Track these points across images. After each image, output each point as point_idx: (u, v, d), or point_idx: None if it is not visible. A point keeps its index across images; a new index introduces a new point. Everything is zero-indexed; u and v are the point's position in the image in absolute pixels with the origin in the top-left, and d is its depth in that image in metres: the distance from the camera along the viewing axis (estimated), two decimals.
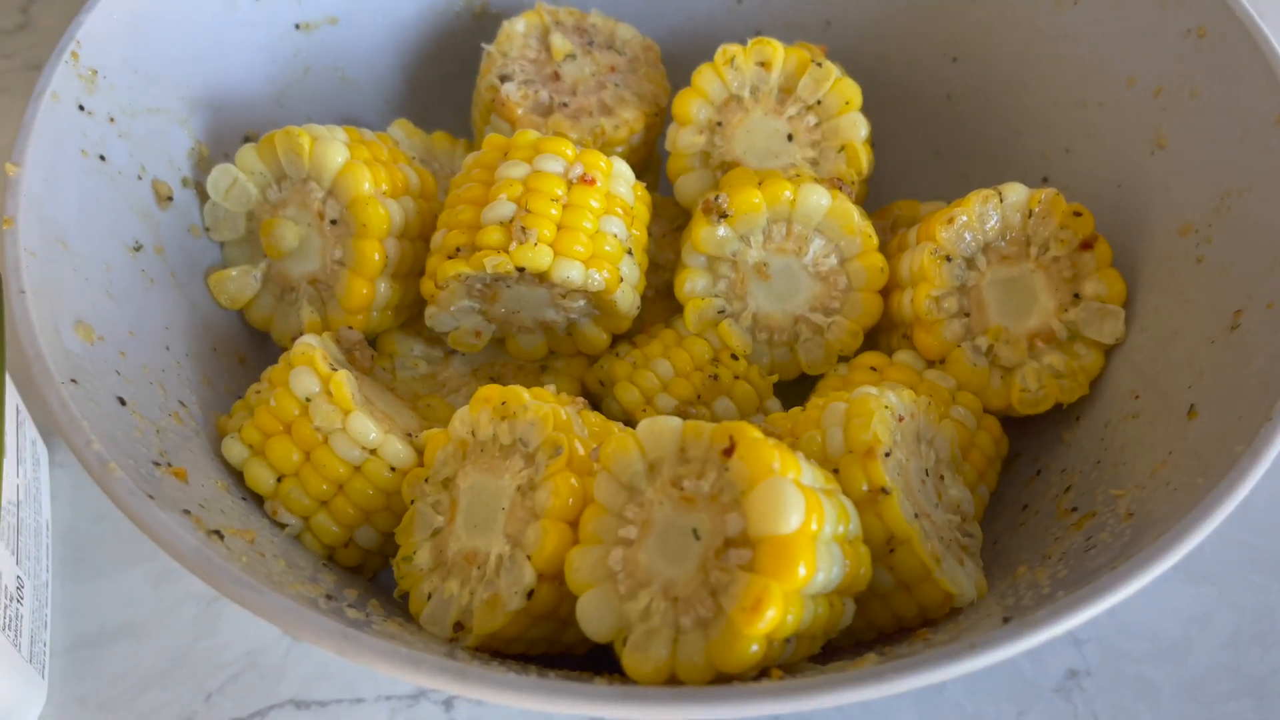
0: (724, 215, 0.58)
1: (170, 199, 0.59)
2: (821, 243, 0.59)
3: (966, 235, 0.58)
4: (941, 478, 0.53)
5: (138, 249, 0.56)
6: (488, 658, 0.45)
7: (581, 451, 0.47)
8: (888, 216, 0.68)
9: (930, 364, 0.60)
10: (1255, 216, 0.52)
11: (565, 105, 0.66)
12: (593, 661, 0.49)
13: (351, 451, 0.52)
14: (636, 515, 0.43)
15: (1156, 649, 0.60)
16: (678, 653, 0.40)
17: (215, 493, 0.49)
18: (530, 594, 0.44)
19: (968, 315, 0.59)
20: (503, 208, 0.55)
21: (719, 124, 0.63)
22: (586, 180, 0.57)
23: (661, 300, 0.66)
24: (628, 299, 0.58)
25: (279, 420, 0.52)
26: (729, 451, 0.41)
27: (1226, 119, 0.55)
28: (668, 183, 0.66)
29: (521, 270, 0.54)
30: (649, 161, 0.71)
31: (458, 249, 0.56)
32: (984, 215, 0.58)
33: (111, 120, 0.56)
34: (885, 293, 0.61)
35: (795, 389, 0.64)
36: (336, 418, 0.52)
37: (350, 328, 0.59)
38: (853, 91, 0.62)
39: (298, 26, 0.68)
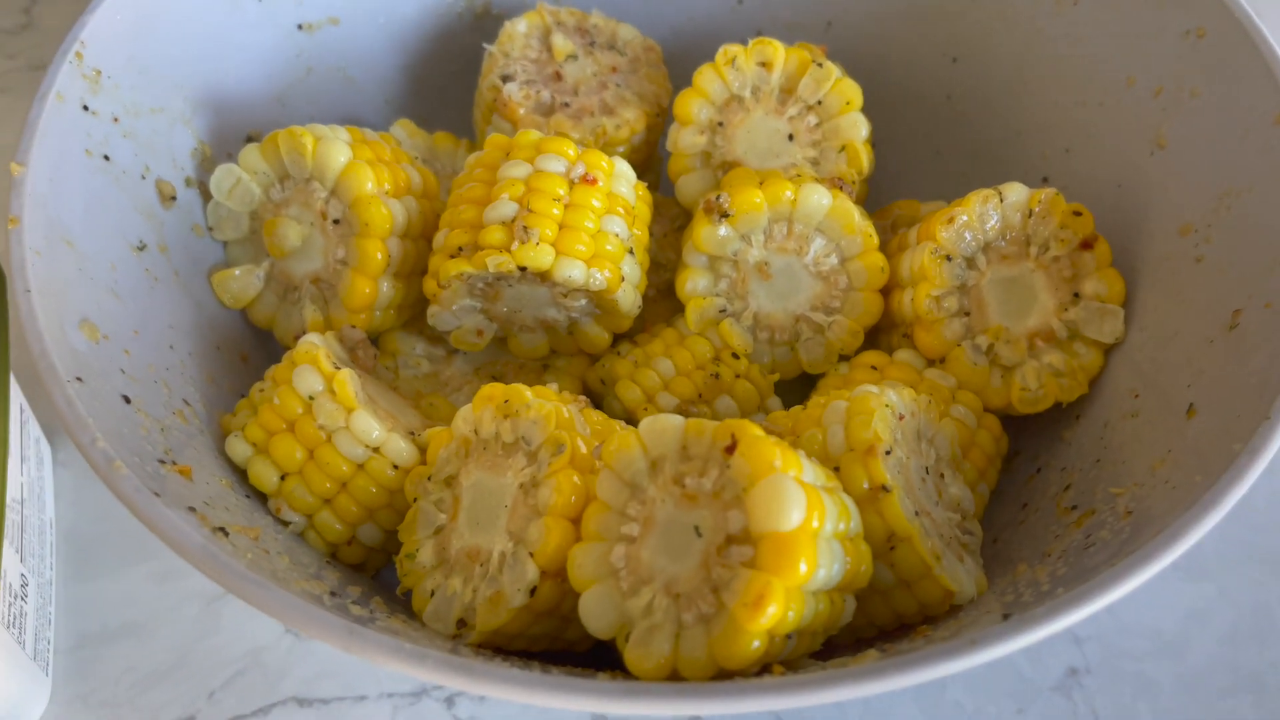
0: (725, 215, 0.58)
1: (174, 198, 0.59)
2: (822, 242, 0.60)
3: (967, 235, 0.58)
4: (942, 476, 0.53)
5: (142, 248, 0.56)
6: (490, 654, 0.46)
7: (584, 449, 0.47)
8: (888, 216, 0.69)
9: (931, 363, 0.60)
10: (1254, 216, 0.52)
11: (567, 105, 0.66)
12: (594, 659, 0.49)
13: (355, 450, 0.52)
14: (639, 512, 0.43)
15: (1156, 646, 0.60)
16: (680, 648, 0.40)
17: (220, 490, 0.50)
18: (533, 591, 0.45)
19: (968, 314, 0.59)
20: (505, 207, 0.56)
21: (720, 124, 0.63)
22: (588, 180, 0.57)
23: (663, 299, 0.66)
24: (629, 298, 0.58)
25: (282, 418, 0.53)
26: (731, 449, 0.42)
27: (1226, 119, 0.55)
28: (669, 183, 0.66)
29: (523, 269, 0.55)
30: (650, 161, 0.71)
31: (460, 248, 0.56)
32: (984, 215, 0.58)
33: (115, 120, 0.56)
34: (886, 292, 0.61)
35: (796, 388, 0.64)
36: (340, 416, 0.52)
37: (353, 327, 0.59)
38: (853, 92, 0.62)
39: (300, 27, 0.68)
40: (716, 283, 0.61)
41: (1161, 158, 0.59)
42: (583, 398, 0.55)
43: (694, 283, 0.61)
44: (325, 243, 0.60)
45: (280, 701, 0.58)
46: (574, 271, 0.55)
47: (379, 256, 0.58)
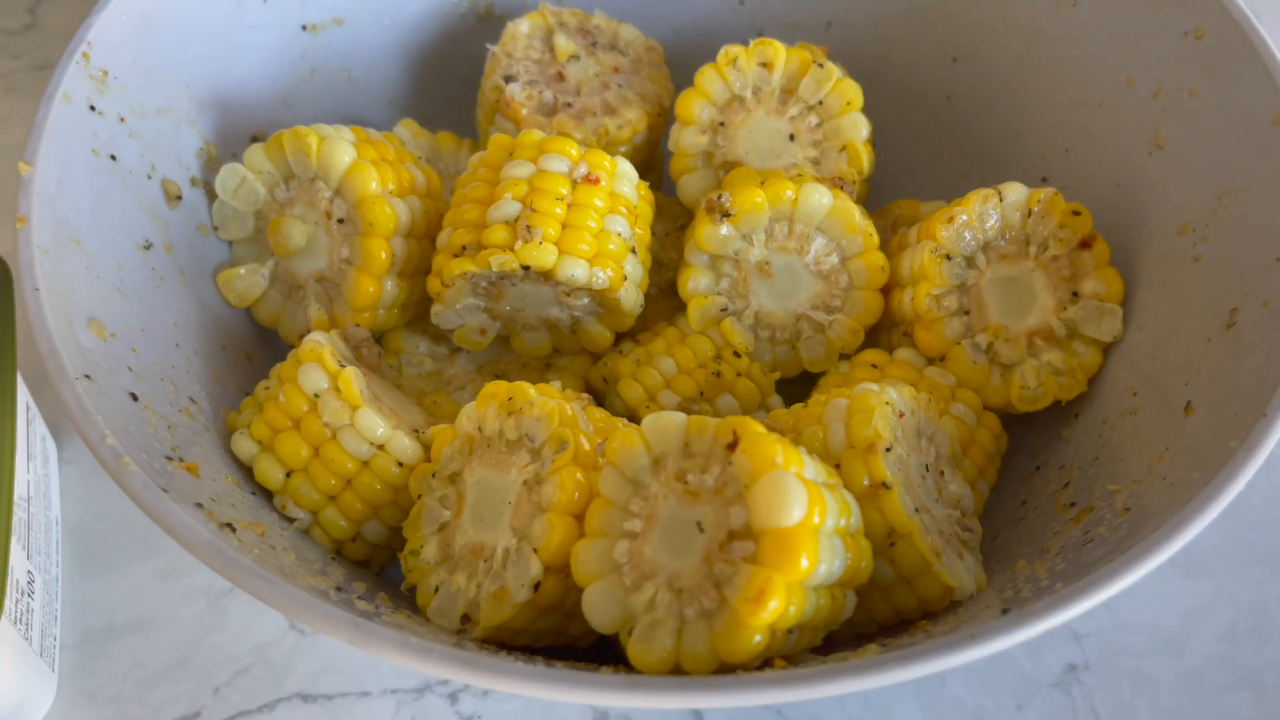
0: (727, 214, 0.58)
1: (179, 198, 0.60)
2: (823, 241, 0.60)
3: (966, 234, 0.58)
4: (941, 473, 0.54)
5: (148, 247, 0.56)
6: (495, 649, 0.46)
7: (587, 447, 0.47)
8: (888, 216, 0.69)
9: (930, 361, 0.60)
10: (1252, 216, 0.52)
11: (569, 105, 0.66)
12: (597, 654, 0.49)
13: (359, 447, 0.53)
14: (641, 509, 0.44)
15: (1155, 643, 0.60)
16: (682, 643, 0.41)
17: (226, 487, 0.50)
18: (537, 586, 0.45)
19: (967, 313, 0.59)
20: (508, 207, 0.56)
21: (721, 124, 0.63)
22: (591, 180, 0.57)
23: (665, 298, 0.67)
24: (631, 297, 0.59)
25: (288, 416, 0.53)
26: (732, 446, 0.42)
27: (1224, 119, 0.55)
28: (670, 182, 0.66)
29: (527, 268, 0.55)
30: (652, 161, 0.71)
31: (464, 247, 0.56)
32: (984, 214, 0.58)
33: (122, 120, 0.57)
34: (886, 291, 0.61)
35: (797, 386, 0.64)
36: (345, 414, 0.52)
37: (357, 325, 0.60)
38: (854, 92, 0.62)
39: (304, 28, 0.69)
40: (718, 282, 0.61)
41: (1160, 158, 0.59)
42: (585, 396, 0.55)
43: (696, 282, 0.61)
44: (330, 242, 0.60)
45: (285, 697, 0.58)
46: (577, 270, 0.55)
47: (383, 255, 0.59)
